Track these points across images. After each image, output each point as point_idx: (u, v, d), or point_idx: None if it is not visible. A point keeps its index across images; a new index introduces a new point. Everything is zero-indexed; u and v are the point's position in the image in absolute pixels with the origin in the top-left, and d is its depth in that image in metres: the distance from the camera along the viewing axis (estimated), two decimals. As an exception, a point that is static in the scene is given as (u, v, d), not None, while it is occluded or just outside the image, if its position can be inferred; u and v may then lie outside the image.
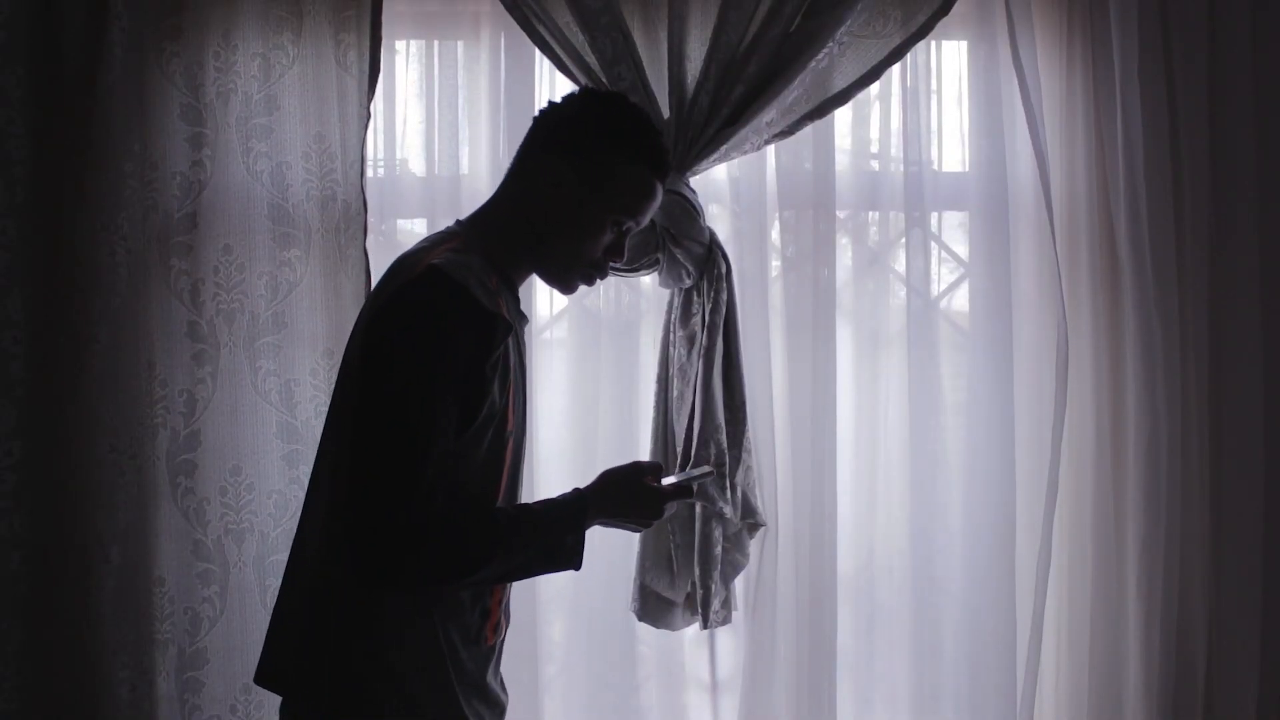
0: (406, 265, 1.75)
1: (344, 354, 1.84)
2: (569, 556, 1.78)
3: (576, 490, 1.84)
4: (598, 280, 1.88)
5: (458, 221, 1.87)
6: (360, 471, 1.63)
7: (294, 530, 2.39)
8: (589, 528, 1.81)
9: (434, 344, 1.63)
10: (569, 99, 1.90)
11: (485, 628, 1.79)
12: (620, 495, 1.85)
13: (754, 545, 2.49)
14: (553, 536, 1.76)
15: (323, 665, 1.73)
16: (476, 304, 1.66)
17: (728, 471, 2.39)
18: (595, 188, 1.79)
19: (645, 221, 1.89)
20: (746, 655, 2.53)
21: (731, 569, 2.45)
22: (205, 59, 2.40)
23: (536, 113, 1.89)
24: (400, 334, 1.66)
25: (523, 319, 1.87)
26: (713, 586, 2.40)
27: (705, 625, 2.41)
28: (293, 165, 2.42)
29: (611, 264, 1.88)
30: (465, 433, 1.68)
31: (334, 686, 1.72)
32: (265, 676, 1.81)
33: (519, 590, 2.52)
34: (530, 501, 1.83)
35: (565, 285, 1.89)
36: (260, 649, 2.44)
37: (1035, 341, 2.63)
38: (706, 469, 2.09)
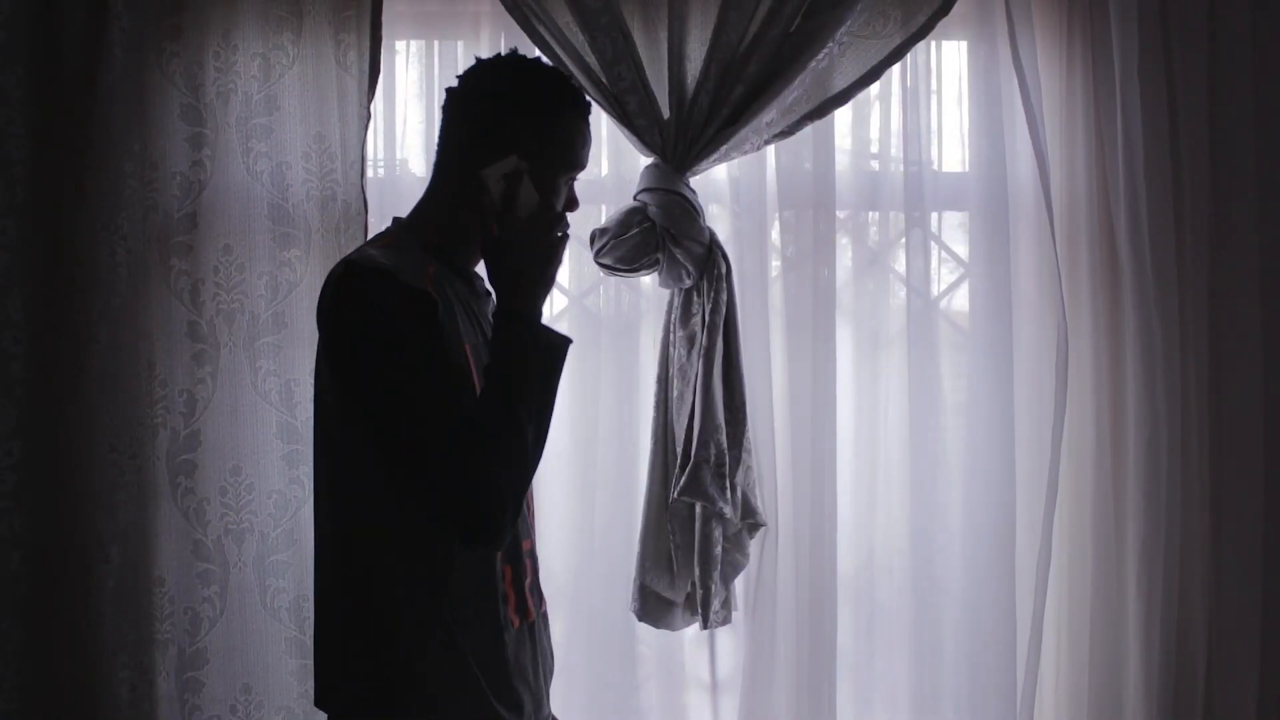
0: (330, 271, 1.77)
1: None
2: (551, 349, 1.72)
3: (500, 313, 1.73)
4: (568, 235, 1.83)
5: (395, 220, 1.88)
6: (409, 465, 1.65)
7: (294, 530, 2.42)
8: (535, 313, 1.73)
9: (369, 319, 1.65)
10: (470, 80, 1.81)
11: (507, 612, 1.76)
12: (519, 265, 1.74)
13: (754, 545, 2.49)
14: (527, 359, 1.69)
15: (356, 680, 1.72)
16: (393, 279, 1.65)
17: (728, 471, 2.39)
18: (532, 157, 1.75)
19: (587, 162, 1.86)
20: (746, 655, 2.53)
21: (731, 569, 2.45)
22: (205, 59, 2.40)
23: (439, 108, 1.84)
24: (340, 327, 1.69)
25: (481, 298, 1.85)
26: (713, 586, 2.40)
27: (705, 625, 2.41)
28: (293, 165, 2.42)
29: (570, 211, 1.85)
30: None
31: (367, 700, 1.71)
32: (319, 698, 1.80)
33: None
34: (487, 382, 1.72)
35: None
36: (260, 649, 2.45)
37: (1035, 341, 2.63)
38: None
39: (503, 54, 1.84)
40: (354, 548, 1.72)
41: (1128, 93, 2.52)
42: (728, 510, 2.39)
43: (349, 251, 2.39)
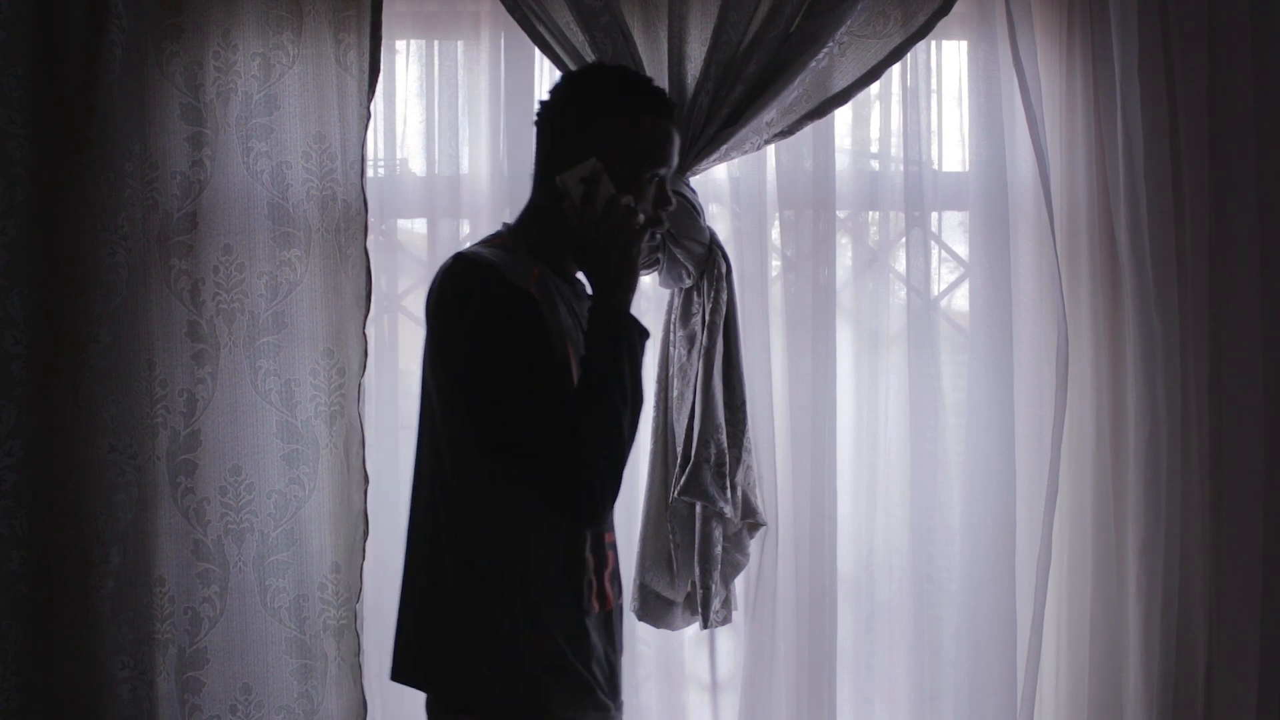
0: (441, 264, 1.88)
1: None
2: (633, 340, 1.81)
3: (591, 309, 1.84)
4: (660, 235, 1.93)
5: (504, 224, 1.99)
6: (512, 453, 1.77)
7: (294, 530, 2.42)
8: (619, 306, 1.82)
9: (474, 310, 1.77)
10: (551, 95, 1.95)
11: (590, 598, 1.86)
12: (599, 263, 1.83)
13: (754, 545, 2.49)
14: (613, 350, 1.79)
15: (457, 668, 1.83)
16: (498, 274, 1.77)
17: (728, 471, 2.39)
18: (612, 158, 1.84)
19: (675, 161, 1.95)
20: (746, 655, 2.53)
21: (731, 569, 2.45)
22: (205, 59, 2.40)
23: (534, 118, 1.96)
24: (451, 317, 1.81)
25: (583, 300, 1.93)
26: (713, 586, 2.40)
27: (705, 625, 2.41)
28: (293, 165, 2.42)
29: (665, 210, 1.93)
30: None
31: (473, 687, 1.82)
32: (404, 674, 1.92)
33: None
34: (581, 373, 1.81)
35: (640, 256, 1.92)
36: (260, 649, 2.45)
37: (1035, 341, 2.63)
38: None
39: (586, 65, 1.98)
40: (449, 534, 1.83)
41: (1128, 93, 2.52)
42: (728, 510, 2.39)
43: (350, 251, 2.42)
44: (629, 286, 1.84)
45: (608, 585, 1.90)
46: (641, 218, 1.85)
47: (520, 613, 1.81)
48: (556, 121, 1.90)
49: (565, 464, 1.73)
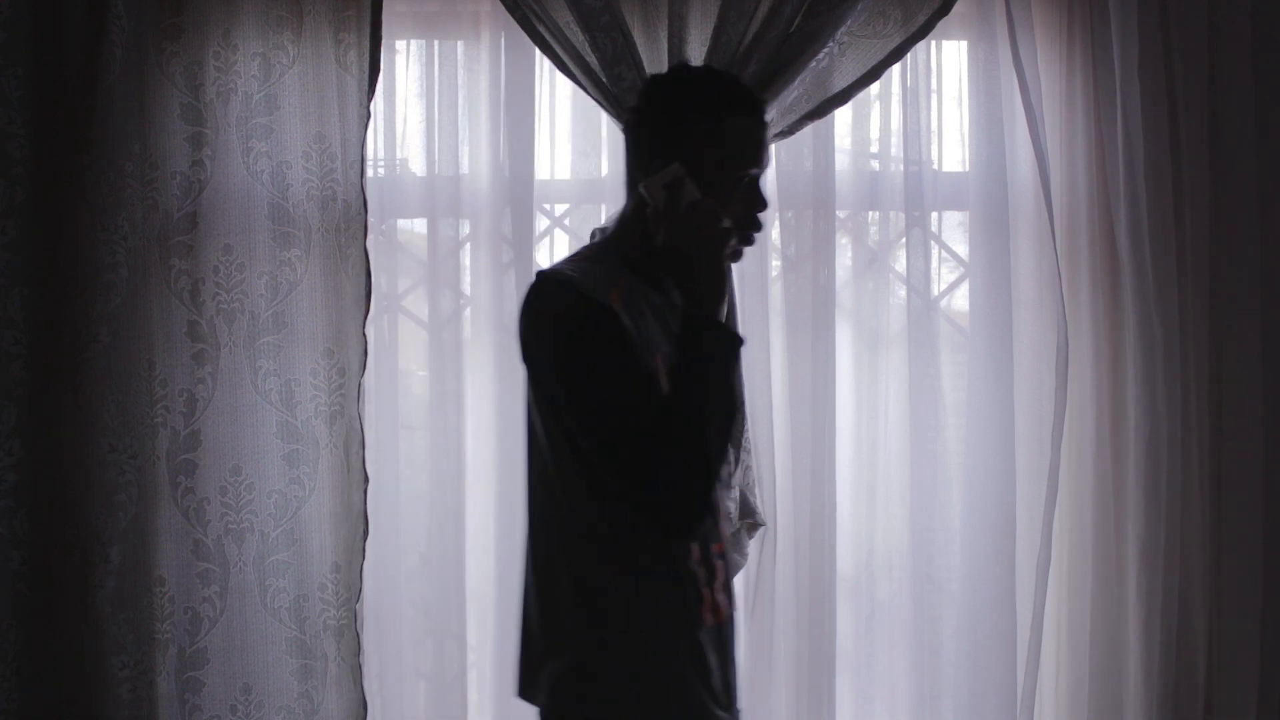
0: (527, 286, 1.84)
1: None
2: (721, 348, 1.75)
3: (681, 318, 1.77)
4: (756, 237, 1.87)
5: (596, 231, 1.97)
6: (602, 466, 1.73)
7: (294, 530, 2.42)
8: (707, 313, 1.75)
9: (549, 328, 1.75)
10: (637, 99, 1.89)
11: (701, 611, 1.80)
12: (684, 269, 1.77)
13: (754, 545, 2.49)
14: (698, 359, 1.73)
15: (572, 688, 1.79)
16: (573, 289, 1.73)
17: (730, 470, 2.39)
18: (696, 162, 1.78)
19: (768, 158, 1.89)
20: (746, 655, 2.52)
21: (731, 569, 2.45)
22: (205, 59, 2.40)
23: (621, 126, 1.92)
24: (535, 336, 1.78)
25: (676, 308, 1.85)
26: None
27: None
28: (293, 165, 2.42)
29: (759, 212, 1.85)
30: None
31: (576, 692, 1.79)
32: (528, 694, 1.87)
33: (519, 588, 2.53)
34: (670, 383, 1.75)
35: (734, 258, 1.88)
36: (260, 649, 2.45)
37: (1035, 341, 2.63)
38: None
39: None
40: (563, 554, 1.80)
41: (1128, 93, 2.52)
42: (730, 508, 2.39)
43: (350, 250, 2.42)
44: (716, 294, 1.76)
45: (719, 596, 1.85)
46: (728, 222, 1.78)
47: (631, 629, 1.78)
48: (641, 127, 1.85)
49: (650, 477, 1.69)
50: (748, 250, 2.51)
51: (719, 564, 1.86)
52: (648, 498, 1.70)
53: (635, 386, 1.72)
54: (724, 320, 1.78)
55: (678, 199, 1.76)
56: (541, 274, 1.82)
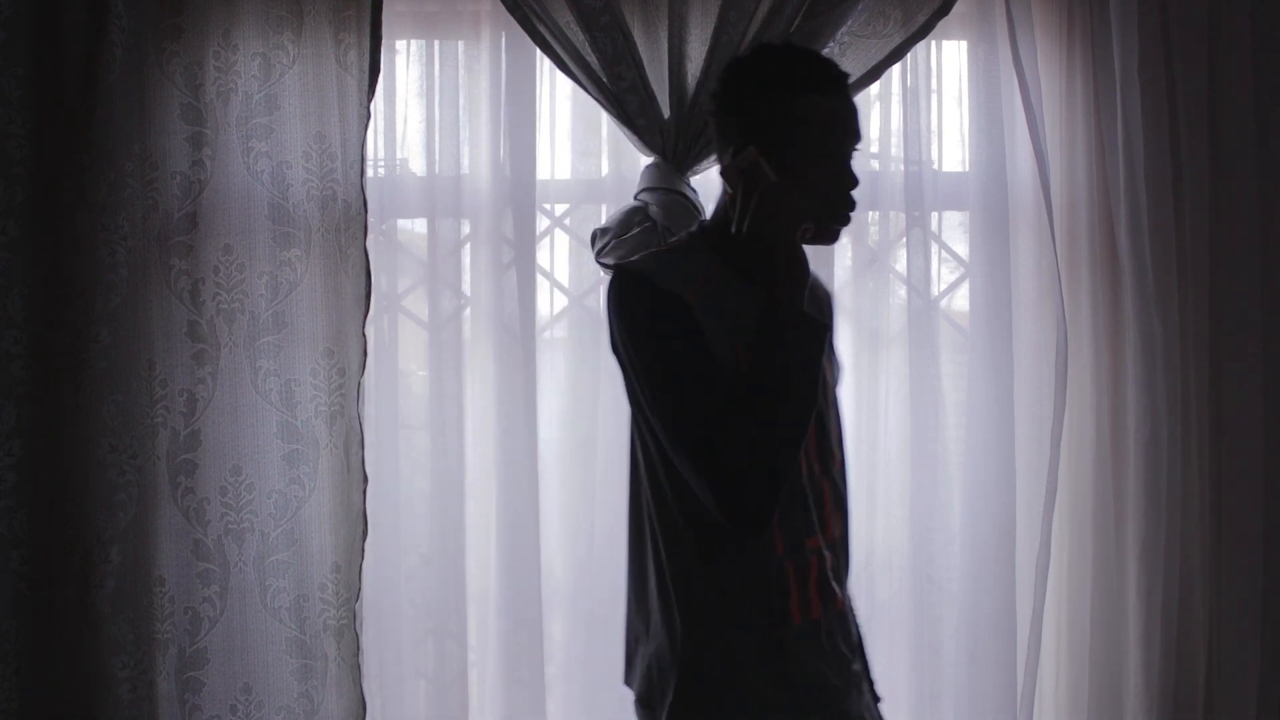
0: None
1: None
2: (797, 340, 1.71)
3: (763, 314, 1.72)
4: (852, 211, 1.79)
5: (701, 223, 1.96)
6: (678, 460, 1.72)
7: (294, 530, 2.43)
8: (780, 301, 1.70)
9: (625, 321, 1.76)
10: (719, 86, 1.81)
11: (789, 607, 1.77)
12: (765, 258, 1.73)
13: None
14: (769, 347, 1.69)
15: (658, 681, 1.80)
16: (645, 282, 1.74)
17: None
18: (774, 144, 1.73)
19: (854, 137, 1.77)
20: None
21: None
22: (205, 59, 2.40)
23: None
24: (615, 330, 1.78)
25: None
26: None
27: None
28: (293, 165, 2.42)
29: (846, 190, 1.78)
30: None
31: (660, 688, 1.80)
32: (628, 676, 1.90)
33: (519, 588, 2.53)
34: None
35: (826, 239, 1.82)
36: (260, 649, 2.45)
37: (1035, 341, 2.63)
38: None
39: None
40: (648, 535, 1.81)
41: (1128, 93, 2.52)
42: None
43: (350, 250, 2.42)
44: (791, 280, 1.71)
45: (813, 592, 1.79)
46: (807, 205, 1.73)
47: (709, 622, 1.76)
48: (719, 113, 1.80)
49: (713, 466, 1.67)
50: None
51: (814, 558, 1.80)
52: (710, 486, 1.67)
53: (701, 376, 1.70)
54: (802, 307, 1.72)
55: (754, 184, 1.72)
56: (619, 268, 1.81)
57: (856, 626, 1.91)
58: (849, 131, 1.77)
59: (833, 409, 1.89)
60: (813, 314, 1.75)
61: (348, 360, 2.43)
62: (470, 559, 2.56)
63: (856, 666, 1.87)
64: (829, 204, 1.76)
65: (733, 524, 1.69)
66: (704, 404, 1.68)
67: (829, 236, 1.81)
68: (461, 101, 2.56)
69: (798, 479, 1.78)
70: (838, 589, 1.84)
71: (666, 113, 2.39)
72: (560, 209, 2.64)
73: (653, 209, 2.37)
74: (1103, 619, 2.59)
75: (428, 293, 2.58)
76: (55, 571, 2.35)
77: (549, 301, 2.63)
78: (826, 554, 1.82)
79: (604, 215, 2.53)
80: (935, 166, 2.66)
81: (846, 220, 1.79)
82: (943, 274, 2.68)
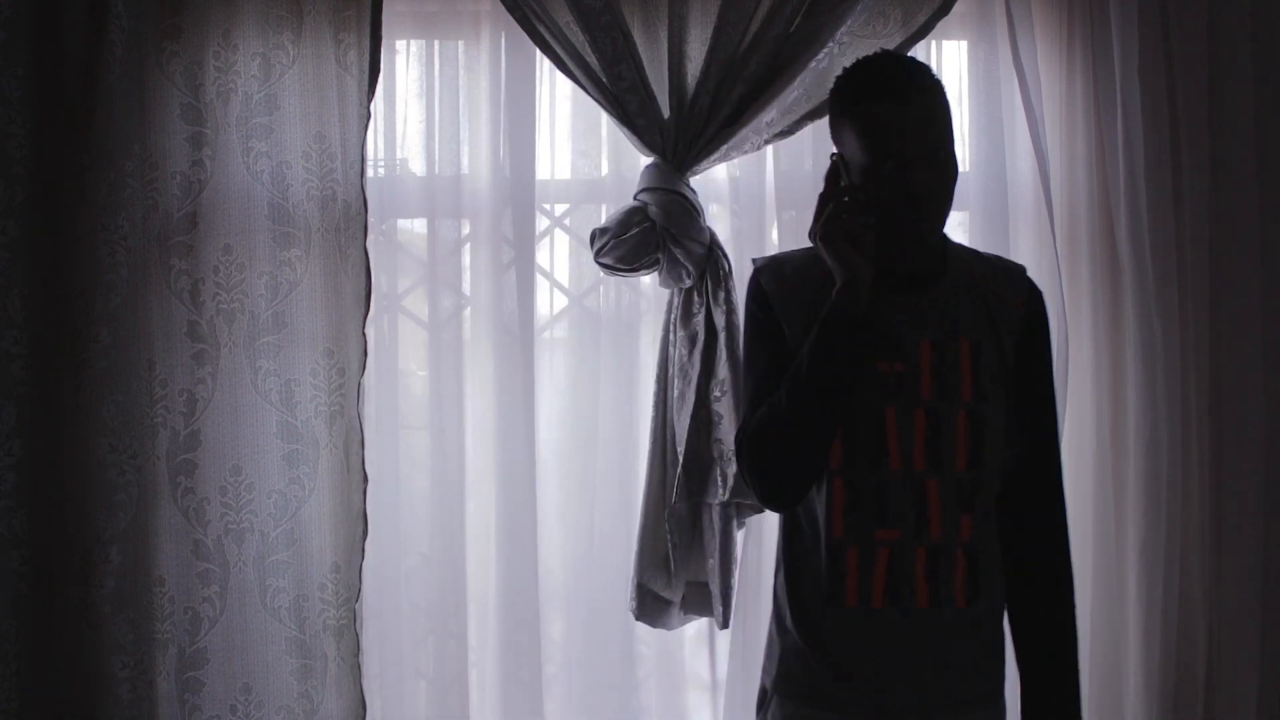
0: None
1: None
2: (830, 342, 1.77)
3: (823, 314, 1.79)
4: (924, 214, 1.81)
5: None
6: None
7: (294, 530, 2.43)
8: (835, 304, 1.76)
9: (745, 311, 1.97)
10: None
11: (844, 592, 1.84)
12: (834, 255, 1.77)
13: (751, 545, 2.50)
14: (811, 346, 1.78)
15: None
16: (760, 273, 1.93)
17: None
18: (847, 151, 1.82)
19: (908, 142, 1.76)
20: (742, 655, 2.52)
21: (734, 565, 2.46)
22: (205, 59, 2.40)
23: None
24: None
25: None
26: (733, 584, 2.40)
27: (725, 624, 2.41)
28: (293, 165, 2.42)
29: (923, 190, 1.78)
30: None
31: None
32: None
33: (518, 589, 2.53)
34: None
35: (909, 242, 1.84)
36: (260, 649, 2.45)
37: (1035, 341, 2.62)
38: None
39: None
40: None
41: (1128, 93, 2.52)
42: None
43: (350, 250, 2.42)
44: (845, 283, 1.75)
45: (878, 583, 1.82)
46: (856, 208, 1.76)
47: (781, 599, 1.91)
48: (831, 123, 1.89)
49: (741, 443, 1.85)
50: (748, 250, 2.54)
51: (888, 551, 1.82)
52: (740, 461, 1.86)
53: (755, 364, 1.89)
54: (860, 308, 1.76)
55: (829, 190, 1.82)
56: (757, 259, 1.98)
57: (933, 626, 1.85)
58: (908, 138, 1.77)
59: (970, 411, 1.85)
60: (901, 318, 1.84)
61: (348, 360, 2.43)
62: (470, 559, 2.56)
63: (935, 674, 1.84)
64: (895, 210, 1.78)
65: (756, 496, 1.88)
66: (753, 396, 1.87)
67: (912, 240, 1.82)
68: (461, 101, 2.56)
69: (876, 471, 1.83)
70: (925, 587, 1.83)
71: (666, 113, 2.39)
72: (560, 209, 2.64)
73: (652, 209, 2.37)
74: (1103, 619, 2.59)
75: (428, 293, 2.58)
76: (55, 571, 2.35)
77: (549, 301, 2.63)
78: (918, 551, 1.82)
79: (604, 215, 2.53)
80: (935, 166, 2.65)
81: (917, 224, 1.81)
82: (943, 274, 2.67)
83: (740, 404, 1.93)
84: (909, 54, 2.49)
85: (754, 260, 1.96)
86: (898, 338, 1.83)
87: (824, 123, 2.49)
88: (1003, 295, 1.91)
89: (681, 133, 2.38)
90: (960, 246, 1.99)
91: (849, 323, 1.75)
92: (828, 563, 1.83)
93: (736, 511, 2.45)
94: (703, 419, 2.41)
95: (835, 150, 1.85)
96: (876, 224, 1.76)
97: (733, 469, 2.37)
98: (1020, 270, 1.98)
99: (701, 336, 2.39)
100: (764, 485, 1.84)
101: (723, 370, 2.41)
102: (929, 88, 1.80)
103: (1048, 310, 1.97)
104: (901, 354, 1.83)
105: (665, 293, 2.47)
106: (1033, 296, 1.94)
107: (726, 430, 2.38)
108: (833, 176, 1.82)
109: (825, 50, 2.41)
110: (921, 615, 1.83)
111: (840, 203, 1.77)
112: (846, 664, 1.84)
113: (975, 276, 1.90)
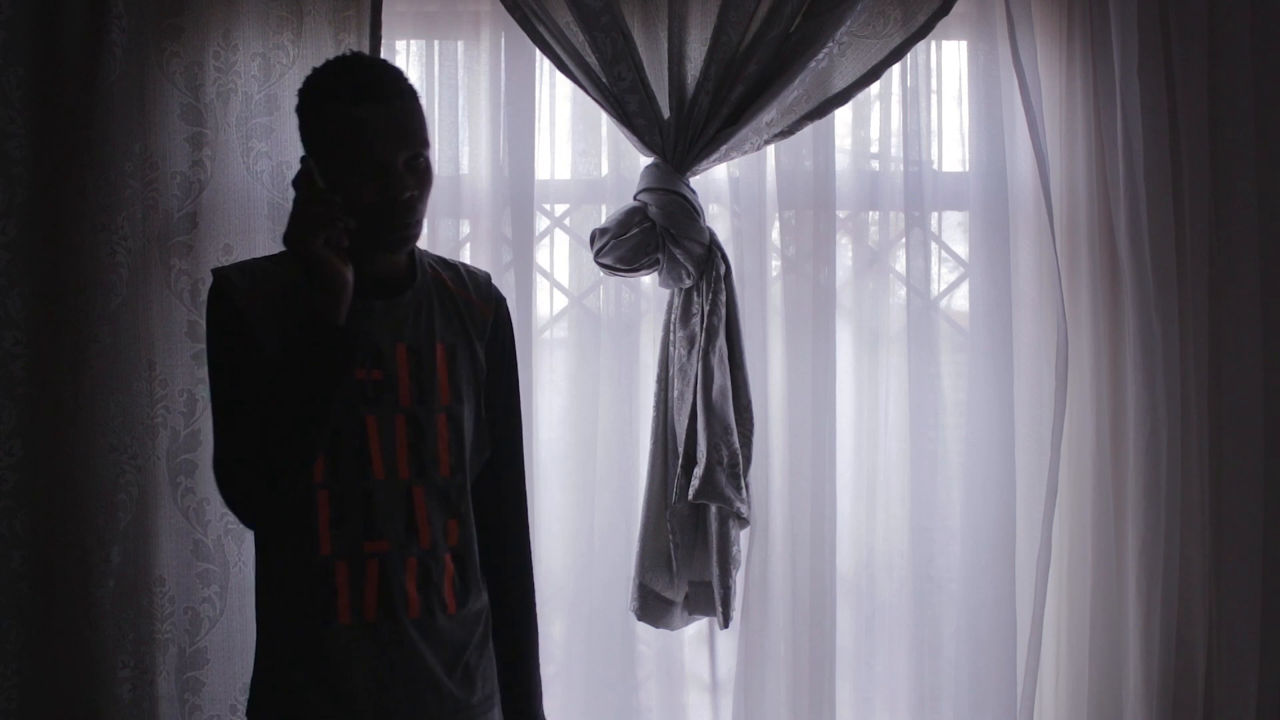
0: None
1: None
2: (310, 349, 1.72)
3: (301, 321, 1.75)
4: (410, 219, 1.79)
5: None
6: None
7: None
8: (320, 318, 1.72)
9: (206, 327, 1.86)
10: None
11: (335, 608, 1.78)
12: (312, 261, 1.75)
13: (755, 545, 2.50)
14: (293, 358, 1.73)
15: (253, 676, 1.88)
16: (219, 295, 1.81)
17: (741, 471, 2.39)
18: (324, 155, 1.76)
19: (402, 144, 1.76)
20: (744, 656, 2.52)
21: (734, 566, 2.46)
22: (205, 59, 2.41)
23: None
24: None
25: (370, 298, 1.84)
26: (732, 585, 2.40)
27: (726, 624, 2.41)
28: (293, 165, 2.41)
29: (410, 194, 1.76)
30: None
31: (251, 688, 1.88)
32: None
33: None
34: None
35: (392, 247, 1.82)
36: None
37: (1035, 341, 2.63)
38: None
39: None
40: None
41: (1128, 93, 2.52)
42: (744, 509, 2.40)
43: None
44: (325, 290, 1.73)
45: (370, 596, 1.78)
46: (335, 212, 1.75)
47: (264, 621, 1.84)
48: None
49: (220, 475, 1.79)
50: (748, 250, 2.54)
51: (377, 563, 1.79)
52: (221, 487, 1.77)
53: (229, 377, 1.79)
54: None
55: (301, 194, 1.76)
56: (215, 272, 1.86)
57: (429, 639, 1.83)
58: (390, 141, 1.74)
59: (449, 414, 1.85)
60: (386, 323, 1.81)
61: (348, 360, 2.42)
62: (470, 559, 2.56)
63: (433, 685, 1.82)
64: (377, 214, 1.76)
65: (236, 517, 1.80)
66: (222, 397, 1.78)
67: (394, 245, 1.80)
68: (461, 101, 2.56)
69: (360, 481, 1.78)
70: (416, 597, 1.81)
71: (666, 113, 2.39)
72: (560, 209, 2.64)
73: (652, 209, 2.37)
74: (1103, 619, 2.59)
75: (428, 293, 2.58)
76: (55, 571, 2.35)
77: (549, 301, 2.63)
78: (409, 560, 1.80)
79: (603, 215, 2.53)
80: (935, 167, 2.66)
81: (403, 229, 1.78)
82: (942, 274, 2.67)
83: (216, 419, 1.79)
84: (909, 53, 2.51)
85: (213, 270, 1.84)
86: (374, 343, 1.81)
87: (824, 122, 2.52)
88: (471, 300, 1.92)
89: (681, 133, 2.38)
90: (425, 252, 1.95)
91: (330, 329, 1.72)
92: (319, 580, 1.77)
93: (736, 522, 2.46)
94: (703, 419, 2.41)
95: (304, 154, 1.79)
96: (357, 229, 1.75)
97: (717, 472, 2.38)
98: (487, 277, 1.99)
99: (700, 337, 2.39)
100: (244, 505, 1.77)
101: (726, 373, 2.41)
102: (407, 91, 1.79)
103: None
104: (379, 360, 1.81)
105: (665, 293, 2.48)
106: (500, 303, 1.97)
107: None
108: (306, 180, 1.75)
109: (825, 50, 2.41)
110: (415, 625, 1.81)
111: (317, 207, 1.74)
112: (345, 683, 1.78)
113: (444, 281, 1.91)
